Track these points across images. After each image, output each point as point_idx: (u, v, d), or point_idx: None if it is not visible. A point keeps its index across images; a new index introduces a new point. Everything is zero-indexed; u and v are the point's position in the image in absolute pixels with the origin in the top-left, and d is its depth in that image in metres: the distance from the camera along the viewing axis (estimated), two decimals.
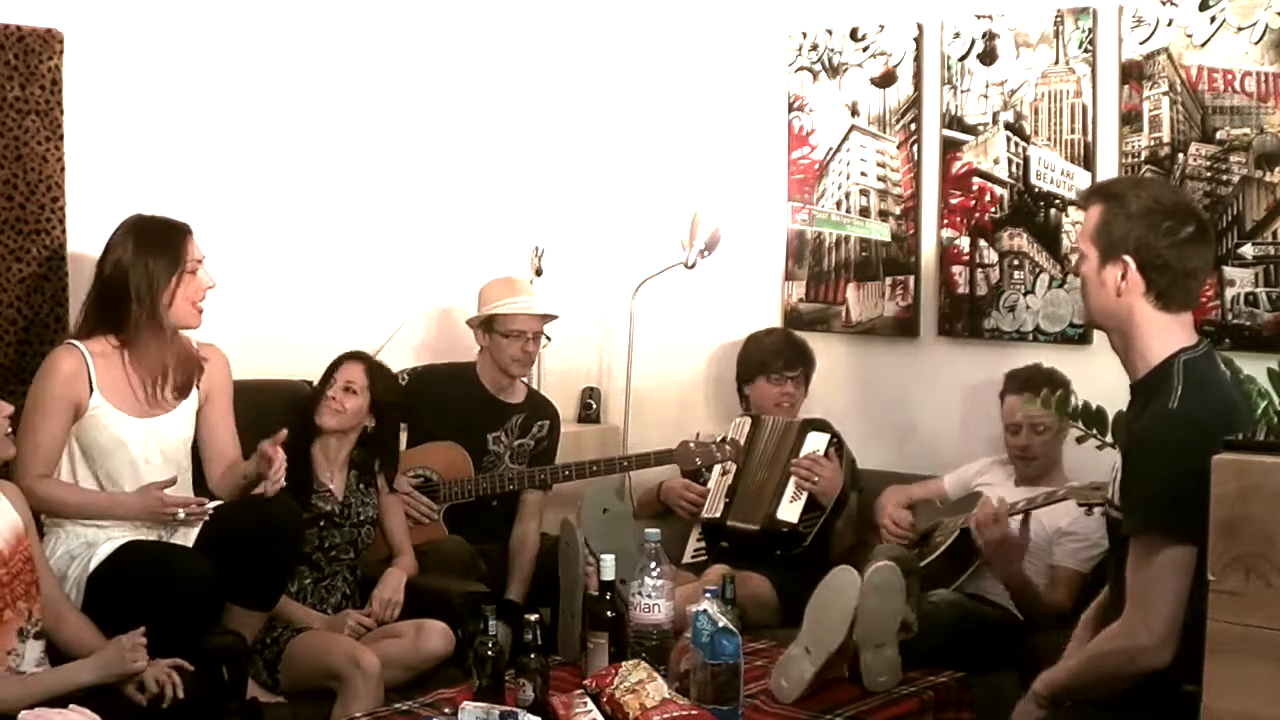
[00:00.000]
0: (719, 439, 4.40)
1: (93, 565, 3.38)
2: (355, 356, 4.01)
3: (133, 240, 3.58)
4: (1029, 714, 2.78)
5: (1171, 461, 2.56)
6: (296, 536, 3.63)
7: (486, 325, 4.41)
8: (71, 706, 2.88)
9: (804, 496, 4.23)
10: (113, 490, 3.54)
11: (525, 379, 4.60)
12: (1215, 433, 2.50)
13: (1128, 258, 2.70)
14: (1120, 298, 2.71)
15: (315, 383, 4.04)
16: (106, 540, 3.45)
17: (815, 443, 4.31)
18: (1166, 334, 2.72)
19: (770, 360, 4.51)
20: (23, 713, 2.84)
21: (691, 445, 4.37)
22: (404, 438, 4.43)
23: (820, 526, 4.26)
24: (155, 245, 3.58)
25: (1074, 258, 2.89)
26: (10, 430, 3.20)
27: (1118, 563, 2.74)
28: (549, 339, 4.53)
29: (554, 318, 4.49)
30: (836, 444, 4.32)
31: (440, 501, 4.32)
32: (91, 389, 3.51)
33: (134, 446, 3.56)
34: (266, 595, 3.55)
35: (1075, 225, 4.09)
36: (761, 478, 4.34)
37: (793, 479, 4.26)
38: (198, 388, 3.69)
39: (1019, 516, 3.80)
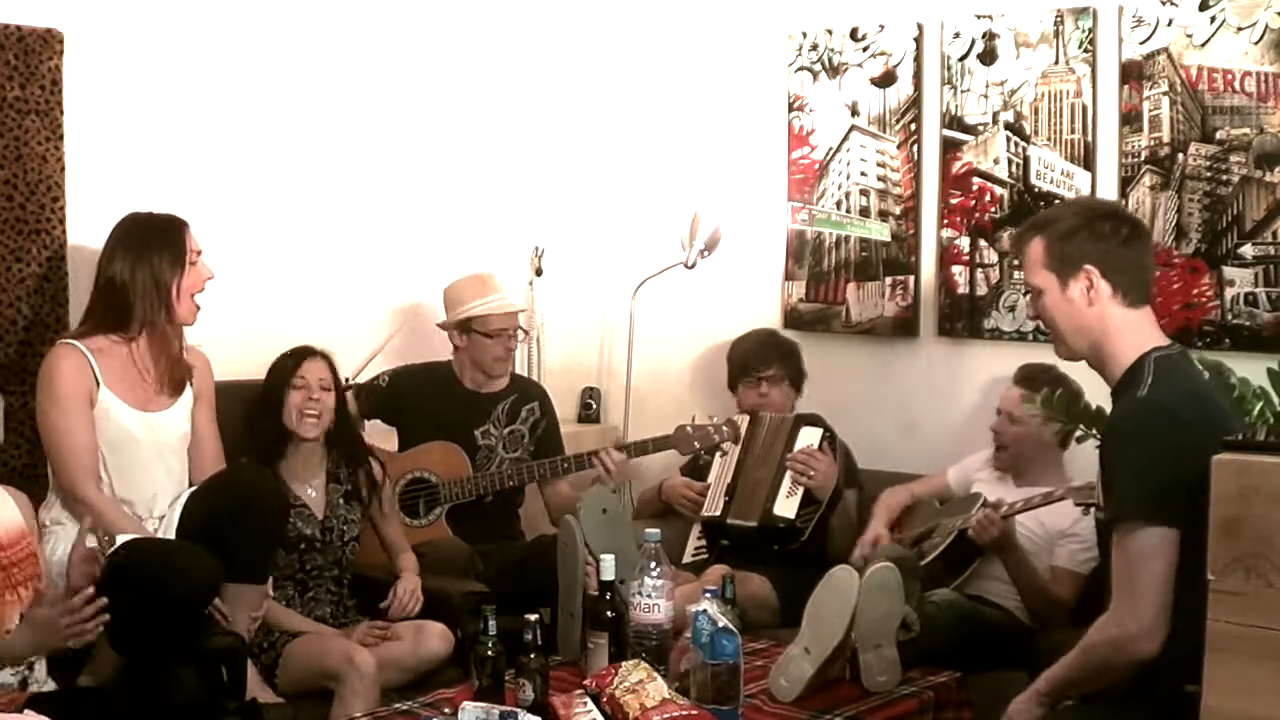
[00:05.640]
0: (716, 421, 4.39)
1: None
2: (313, 352, 3.84)
3: (135, 238, 3.62)
4: (1029, 713, 2.79)
5: (1141, 446, 2.63)
6: (277, 504, 3.59)
7: (463, 326, 4.38)
8: (27, 712, 2.86)
9: (800, 491, 4.23)
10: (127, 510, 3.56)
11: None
12: (1185, 418, 2.61)
13: (1089, 266, 2.76)
14: (1092, 307, 2.79)
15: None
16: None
17: (808, 437, 4.30)
18: (1137, 332, 2.78)
19: (746, 363, 4.53)
20: None
21: (689, 429, 4.36)
22: (395, 441, 4.43)
23: (817, 523, 4.26)
24: (158, 241, 3.62)
25: (1028, 307, 2.94)
26: None
27: (1106, 562, 2.76)
28: (526, 333, 4.51)
29: (525, 310, 4.48)
30: (830, 438, 4.31)
31: (441, 503, 4.31)
32: (98, 383, 3.55)
33: (143, 441, 3.59)
34: (256, 568, 3.52)
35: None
36: (760, 475, 4.34)
37: (788, 474, 4.26)
38: (190, 385, 3.73)
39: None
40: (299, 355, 3.81)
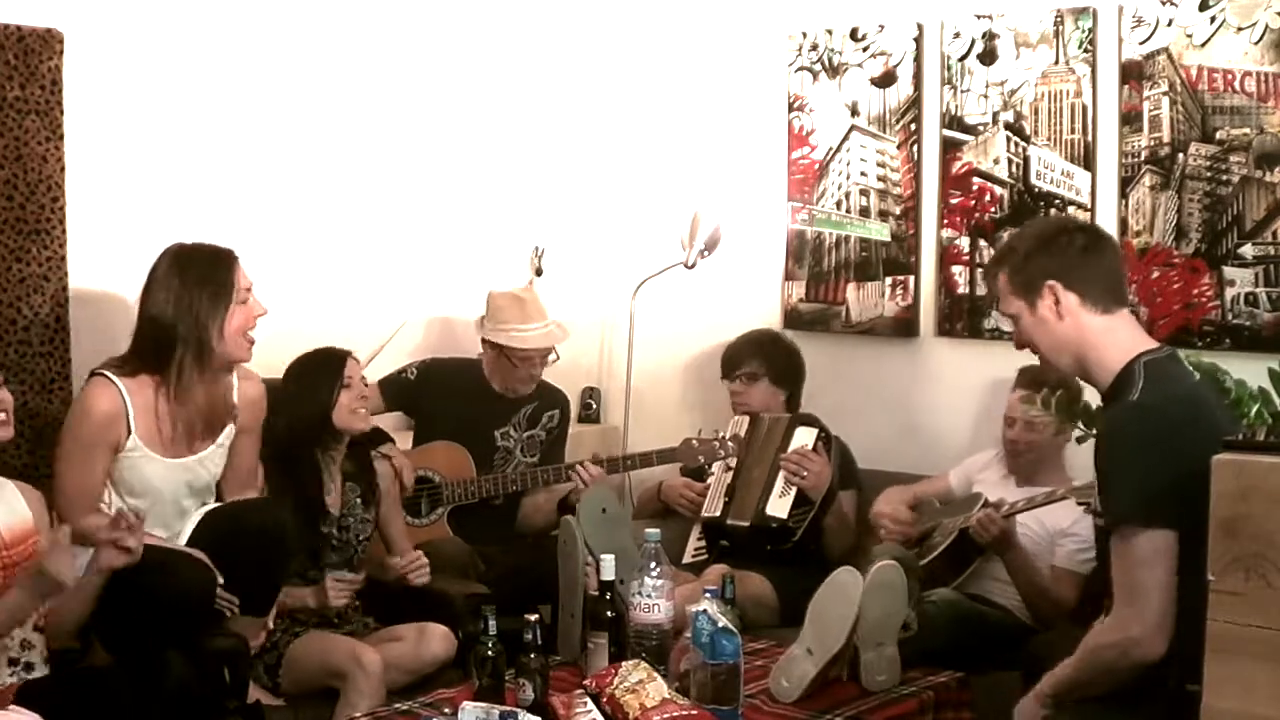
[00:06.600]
0: (721, 435, 4.39)
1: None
2: (344, 352, 3.85)
3: (177, 274, 3.46)
4: (1033, 714, 2.79)
5: (1136, 451, 2.63)
6: (281, 539, 3.51)
7: (494, 343, 4.41)
8: (12, 707, 2.85)
9: (793, 492, 4.22)
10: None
11: None
12: (1178, 421, 2.61)
13: (1050, 281, 2.77)
14: (1064, 320, 2.78)
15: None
16: None
17: (803, 437, 4.30)
18: (1118, 337, 2.78)
19: (724, 361, 4.57)
20: None
21: (694, 443, 4.36)
22: (410, 434, 4.44)
23: (811, 523, 4.26)
24: (202, 277, 3.46)
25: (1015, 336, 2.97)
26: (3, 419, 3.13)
27: (1105, 565, 2.76)
28: (557, 357, 4.53)
29: (565, 337, 4.50)
30: (825, 439, 4.31)
31: (444, 503, 4.32)
32: (129, 430, 3.43)
33: (165, 491, 3.51)
34: (259, 601, 3.50)
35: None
36: (755, 474, 4.33)
37: (781, 474, 4.26)
38: (234, 424, 3.62)
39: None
40: (338, 357, 3.79)
